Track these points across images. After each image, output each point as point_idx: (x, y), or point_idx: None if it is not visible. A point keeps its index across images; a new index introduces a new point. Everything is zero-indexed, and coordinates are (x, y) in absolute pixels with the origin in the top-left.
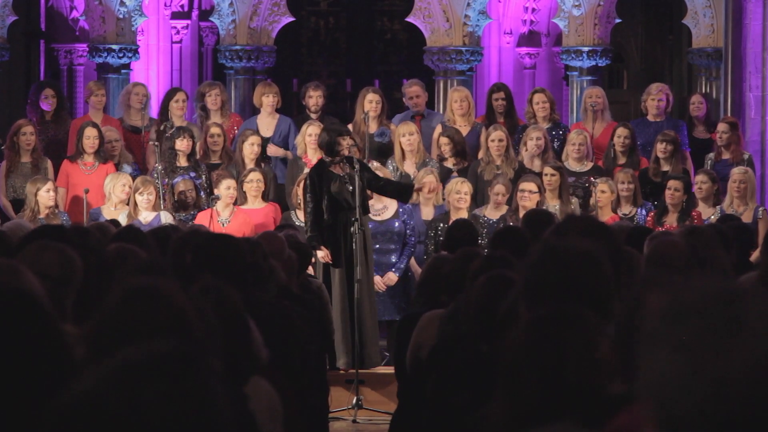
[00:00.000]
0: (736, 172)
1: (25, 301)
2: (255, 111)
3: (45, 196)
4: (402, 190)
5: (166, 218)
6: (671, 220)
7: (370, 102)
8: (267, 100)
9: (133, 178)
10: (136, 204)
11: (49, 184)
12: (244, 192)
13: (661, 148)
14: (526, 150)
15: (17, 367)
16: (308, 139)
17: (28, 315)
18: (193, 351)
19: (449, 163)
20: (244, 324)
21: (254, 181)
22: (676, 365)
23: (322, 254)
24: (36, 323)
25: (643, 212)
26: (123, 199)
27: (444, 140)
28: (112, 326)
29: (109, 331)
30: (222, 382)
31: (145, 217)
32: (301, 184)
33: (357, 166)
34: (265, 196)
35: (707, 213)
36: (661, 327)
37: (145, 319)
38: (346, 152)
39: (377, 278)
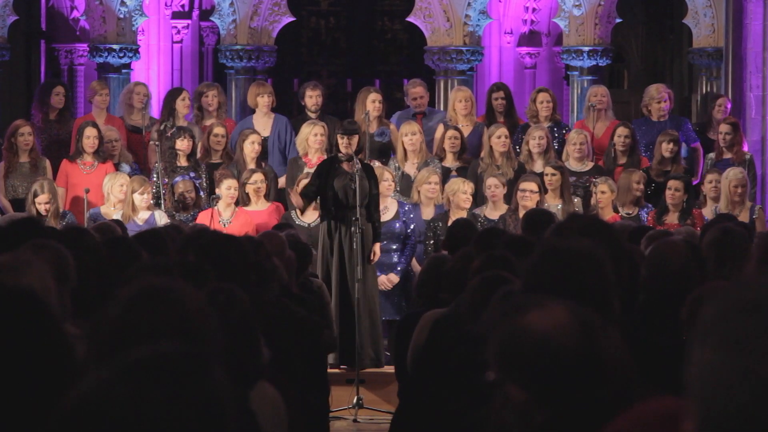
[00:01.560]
0: (734, 177)
1: (28, 299)
2: (253, 110)
3: (39, 207)
4: (374, 233)
5: (161, 217)
6: (672, 220)
7: (373, 102)
8: (262, 100)
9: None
10: (133, 203)
11: (44, 197)
12: (248, 193)
13: (668, 148)
14: (529, 149)
15: (20, 366)
16: (311, 139)
17: (31, 313)
18: (200, 353)
19: (448, 162)
20: (253, 328)
21: (257, 182)
22: (724, 362)
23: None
24: (38, 322)
25: (645, 213)
26: (121, 199)
27: (454, 133)
28: (121, 325)
29: (118, 330)
30: (227, 385)
31: (141, 216)
32: (300, 184)
33: (357, 167)
34: (267, 196)
35: (709, 212)
36: (714, 322)
37: (155, 320)
38: (342, 150)
39: (381, 277)
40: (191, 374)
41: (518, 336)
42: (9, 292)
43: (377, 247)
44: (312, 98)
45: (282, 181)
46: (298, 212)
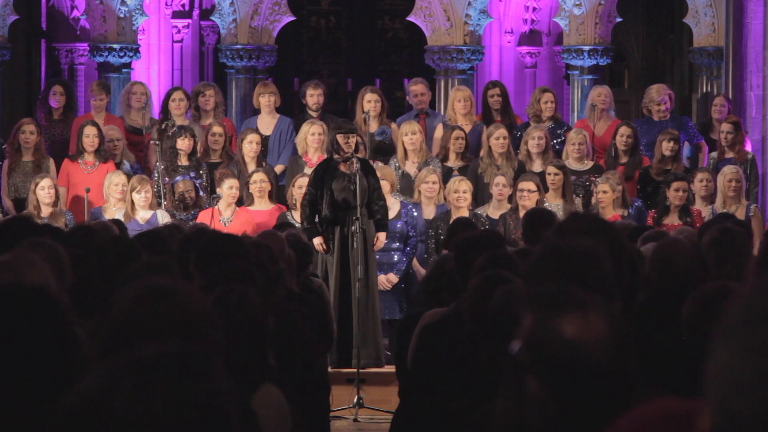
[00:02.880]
0: (729, 171)
1: (42, 297)
2: (256, 111)
3: (41, 193)
4: (379, 223)
5: (163, 217)
6: (672, 220)
7: (369, 102)
8: (263, 100)
9: (131, 177)
10: (132, 203)
11: (46, 181)
12: (251, 193)
13: (668, 147)
14: (528, 149)
15: (31, 363)
16: (310, 138)
17: (44, 311)
18: (202, 352)
19: (451, 162)
20: (263, 331)
21: (257, 182)
22: (743, 365)
23: (318, 242)
24: (51, 320)
25: (632, 210)
26: (119, 198)
27: (459, 133)
28: (124, 324)
29: (121, 329)
30: (229, 385)
31: (143, 216)
32: (296, 183)
33: (357, 165)
34: (270, 196)
35: (704, 211)
36: (736, 325)
37: (158, 319)
38: (345, 149)
39: (381, 276)
40: (193, 374)
41: (552, 340)
42: (22, 290)
43: (383, 235)
44: (313, 97)
45: (279, 168)
46: (294, 214)
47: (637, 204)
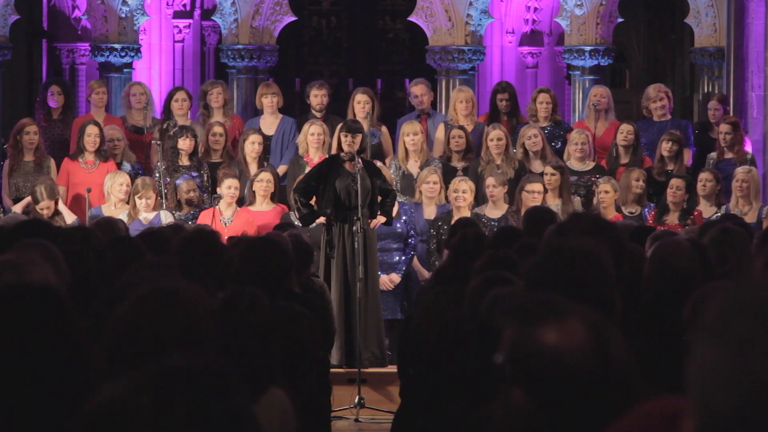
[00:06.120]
0: (740, 171)
1: (50, 297)
2: (257, 111)
3: (41, 212)
4: (384, 208)
5: (166, 217)
6: (672, 219)
7: (359, 103)
8: (266, 100)
9: (133, 178)
10: (135, 204)
11: (46, 203)
12: (254, 191)
13: (666, 148)
14: (523, 150)
15: (39, 362)
16: (310, 139)
17: (53, 311)
18: (226, 368)
19: (454, 162)
20: (272, 334)
21: (264, 181)
22: (724, 361)
23: (321, 219)
24: (60, 320)
25: (647, 211)
26: (121, 198)
27: (458, 132)
28: (129, 327)
29: (126, 331)
30: (249, 402)
31: (146, 216)
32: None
33: (359, 165)
34: (272, 197)
35: (709, 212)
36: (716, 321)
37: (162, 322)
38: (345, 148)
39: (383, 277)
40: (215, 388)
41: (532, 350)
42: (30, 290)
43: (381, 218)
44: (317, 98)
45: (282, 169)
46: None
47: (651, 206)
